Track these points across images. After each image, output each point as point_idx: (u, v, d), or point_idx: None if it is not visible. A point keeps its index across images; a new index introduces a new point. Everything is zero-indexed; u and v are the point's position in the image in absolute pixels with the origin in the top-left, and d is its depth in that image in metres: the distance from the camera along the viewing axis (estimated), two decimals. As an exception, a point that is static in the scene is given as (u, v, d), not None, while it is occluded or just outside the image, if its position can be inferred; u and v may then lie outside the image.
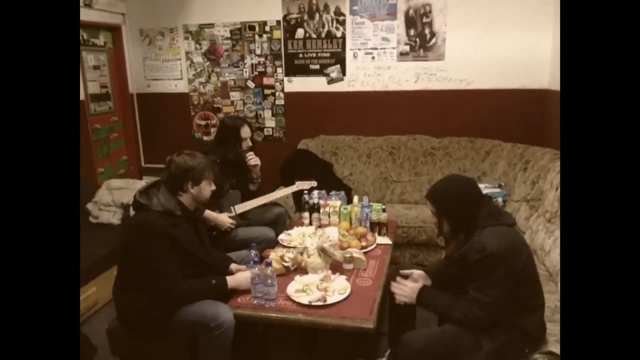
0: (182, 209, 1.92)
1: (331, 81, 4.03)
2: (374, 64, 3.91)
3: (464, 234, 1.77)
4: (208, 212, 2.55)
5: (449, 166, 3.71)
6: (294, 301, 1.91)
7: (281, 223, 2.99)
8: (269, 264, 1.92)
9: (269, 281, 1.88)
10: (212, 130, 4.41)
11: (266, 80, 4.18)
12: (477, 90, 3.76)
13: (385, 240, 2.58)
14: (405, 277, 2.00)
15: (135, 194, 1.91)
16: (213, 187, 2.03)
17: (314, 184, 2.88)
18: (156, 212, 1.83)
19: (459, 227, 1.78)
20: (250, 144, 2.86)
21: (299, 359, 2.06)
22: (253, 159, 2.87)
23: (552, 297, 2.12)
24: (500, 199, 3.26)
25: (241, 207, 2.74)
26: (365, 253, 2.34)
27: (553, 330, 1.87)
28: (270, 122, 4.27)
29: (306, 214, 2.80)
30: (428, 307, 1.89)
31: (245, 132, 2.83)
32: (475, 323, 1.68)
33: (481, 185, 3.33)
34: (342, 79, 4.00)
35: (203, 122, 4.42)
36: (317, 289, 1.96)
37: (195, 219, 2.03)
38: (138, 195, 1.89)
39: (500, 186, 3.33)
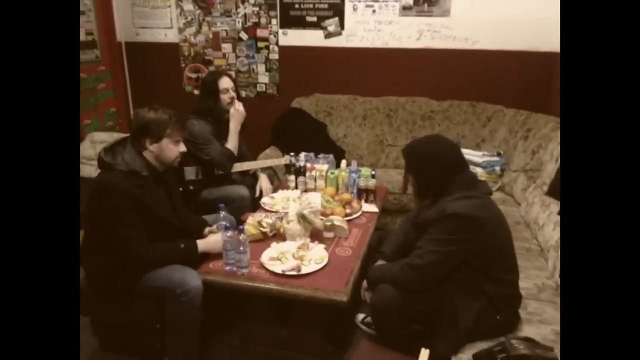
0: (149, 169, 1.79)
1: (329, 35, 3.78)
2: (374, 17, 3.65)
3: (430, 199, 1.65)
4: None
5: (447, 131, 3.52)
6: (267, 269, 1.82)
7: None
8: (241, 230, 1.82)
9: (241, 248, 1.78)
10: (203, 84, 4.22)
11: (260, 32, 3.93)
12: (483, 50, 3.52)
13: (371, 207, 2.47)
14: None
15: (100, 151, 1.78)
16: (182, 149, 1.86)
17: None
18: (120, 172, 1.71)
19: (424, 191, 1.67)
20: (233, 94, 2.59)
21: (274, 329, 1.99)
22: (236, 104, 2.58)
23: (540, 274, 2.02)
24: (498, 168, 3.12)
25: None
26: (349, 221, 2.23)
27: (537, 309, 1.78)
28: (263, 78, 4.06)
29: (292, 177, 2.68)
30: (378, 278, 1.73)
31: (224, 82, 2.56)
32: (407, 283, 1.60)
33: (479, 153, 3.19)
34: (340, 34, 3.75)
35: (194, 75, 4.22)
36: (293, 258, 1.87)
37: (165, 180, 1.91)
38: (103, 153, 1.76)
39: (499, 154, 3.18)
